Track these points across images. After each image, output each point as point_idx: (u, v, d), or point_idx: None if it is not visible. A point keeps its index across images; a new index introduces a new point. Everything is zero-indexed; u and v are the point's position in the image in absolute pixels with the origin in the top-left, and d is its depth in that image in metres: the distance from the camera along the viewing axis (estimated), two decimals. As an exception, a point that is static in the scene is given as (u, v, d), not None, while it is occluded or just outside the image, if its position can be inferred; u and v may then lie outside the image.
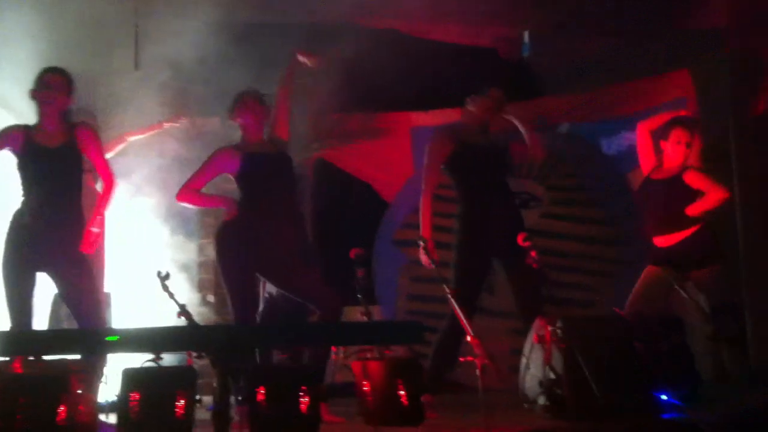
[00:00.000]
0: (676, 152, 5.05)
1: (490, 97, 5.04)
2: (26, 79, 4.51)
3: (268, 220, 4.40)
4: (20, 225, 4.14)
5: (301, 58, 4.88)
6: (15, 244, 4.13)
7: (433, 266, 4.46)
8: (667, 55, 6.83)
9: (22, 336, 3.28)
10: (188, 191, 4.59)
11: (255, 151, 4.56)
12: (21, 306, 4.04)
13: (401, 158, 7.05)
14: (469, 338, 3.84)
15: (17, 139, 4.22)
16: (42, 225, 4.09)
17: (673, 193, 5.00)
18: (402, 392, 3.50)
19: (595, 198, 6.98)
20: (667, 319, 4.48)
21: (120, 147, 5.54)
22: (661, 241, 5.03)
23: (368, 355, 3.76)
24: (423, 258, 4.55)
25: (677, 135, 5.06)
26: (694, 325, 4.62)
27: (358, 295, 4.16)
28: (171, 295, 3.85)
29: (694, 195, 4.97)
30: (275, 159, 4.58)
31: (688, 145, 5.05)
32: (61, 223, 4.15)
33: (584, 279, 6.74)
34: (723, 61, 6.38)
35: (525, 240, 4.29)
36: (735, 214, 5.95)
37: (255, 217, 4.41)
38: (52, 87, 4.25)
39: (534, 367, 4.12)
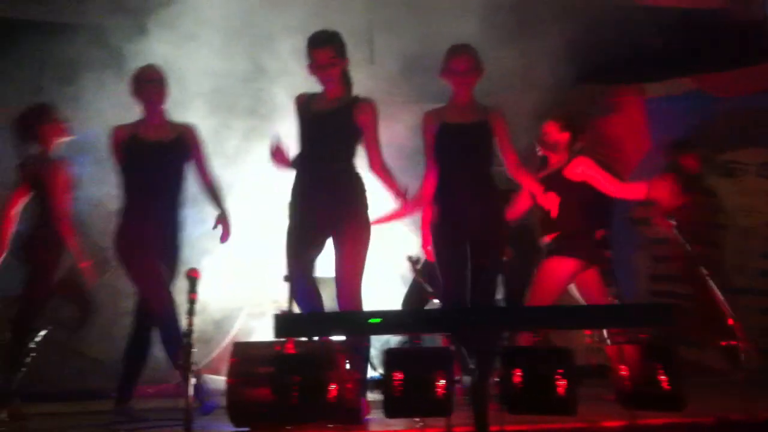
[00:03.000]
0: None
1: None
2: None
3: None
4: None
5: None
6: None
7: None
8: None
9: (294, 318, 3.54)
10: None
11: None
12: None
13: (637, 132, 6.84)
14: (730, 321, 3.67)
15: None
16: None
17: None
18: (662, 377, 3.42)
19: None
20: None
21: None
22: None
23: (621, 339, 3.69)
24: None
25: None
26: None
27: (608, 278, 4.08)
28: (424, 280, 3.98)
29: None
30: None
31: None
32: None
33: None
34: None
35: None
36: None
37: None
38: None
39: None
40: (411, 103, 6.54)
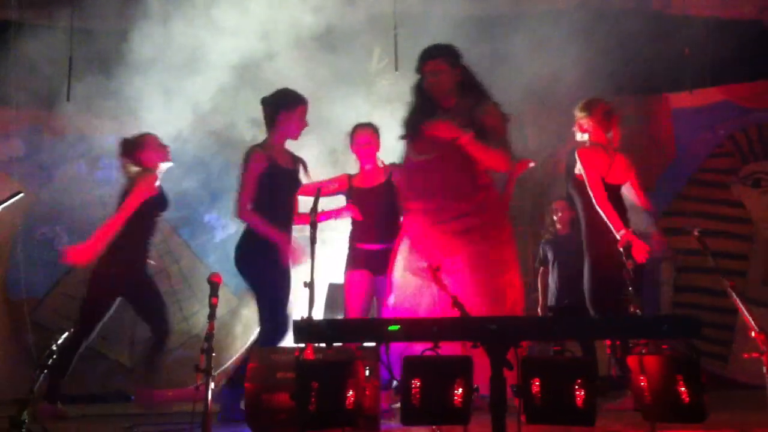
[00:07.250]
0: None
1: None
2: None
3: None
4: None
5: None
6: None
7: None
8: None
9: (313, 324, 3.53)
10: None
11: None
12: None
13: (663, 142, 6.78)
14: (753, 333, 3.62)
15: None
16: None
17: None
18: (683, 389, 3.37)
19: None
20: None
21: None
22: None
23: (643, 350, 3.64)
24: None
25: None
26: None
27: (629, 288, 4.04)
28: (443, 286, 3.95)
29: None
30: None
31: None
32: None
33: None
34: None
35: None
36: None
37: None
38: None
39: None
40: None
